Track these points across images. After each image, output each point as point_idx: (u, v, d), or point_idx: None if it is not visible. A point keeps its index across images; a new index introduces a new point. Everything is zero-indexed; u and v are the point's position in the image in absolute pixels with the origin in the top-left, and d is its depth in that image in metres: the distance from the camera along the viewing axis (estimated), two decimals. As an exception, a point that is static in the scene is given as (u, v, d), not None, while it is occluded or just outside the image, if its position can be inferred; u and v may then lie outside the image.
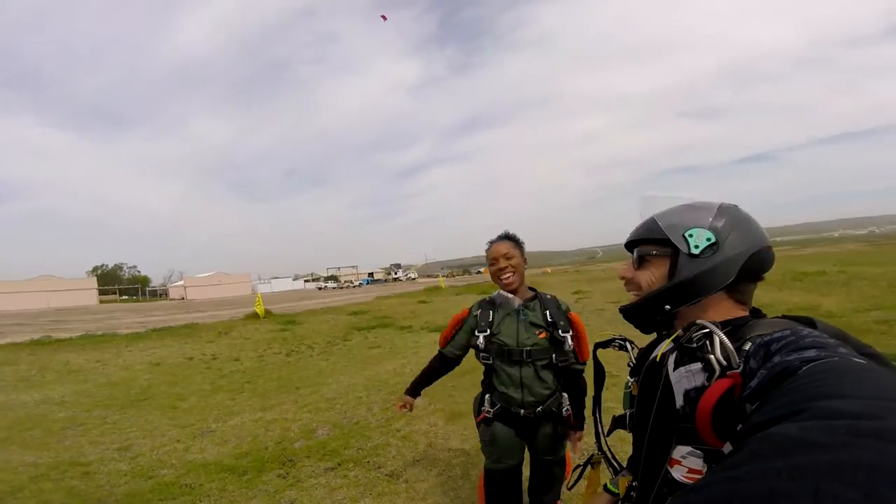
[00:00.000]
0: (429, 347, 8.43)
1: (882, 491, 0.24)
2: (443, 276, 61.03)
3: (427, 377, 2.41)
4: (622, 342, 1.09)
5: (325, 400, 5.48)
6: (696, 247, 0.82)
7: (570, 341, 2.08)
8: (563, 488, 2.36)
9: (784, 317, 0.74)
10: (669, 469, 0.76)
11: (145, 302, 52.51)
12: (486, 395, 2.22)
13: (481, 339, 2.14)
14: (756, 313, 0.84)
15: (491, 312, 2.18)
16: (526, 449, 2.30)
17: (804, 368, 0.50)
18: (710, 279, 0.81)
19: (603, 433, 1.13)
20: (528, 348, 2.09)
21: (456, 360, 2.36)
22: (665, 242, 0.87)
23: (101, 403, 5.88)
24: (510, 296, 2.17)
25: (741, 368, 0.65)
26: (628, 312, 0.93)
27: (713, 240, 0.81)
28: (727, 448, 0.63)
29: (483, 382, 2.28)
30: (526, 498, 2.52)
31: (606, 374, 1.25)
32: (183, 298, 54.50)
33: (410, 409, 2.43)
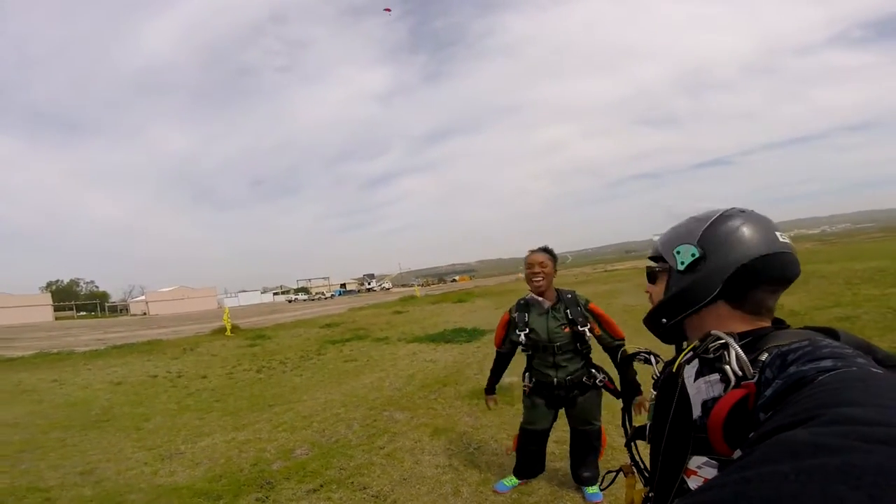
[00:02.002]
0: (407, 359, 8.31)
1: (889, 494, 0.24)
2: (418, 286, 60.77)
3: (497, 373, 3.08)
4: (647, 355, 1.10)
5: (301, 418, 5.28)
6: (682, 263, 0.87)
7: (587, 333, 2.67)
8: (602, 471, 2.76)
9: (807, 328, 0.74)
10: (686, 479, 0.76)
11: (105, 318, 50.17)
12: (527, 373, 2.89)
13: (522, 337, 2.76)
14: (779, 324, 0.83)
15: (526, 314, 2.78)
16: (564, 418, 2.92)
17: (820, 378, 0.50)
18: (695, 292, 0.85)
19: (634, 444, 1.13)
20: (557, 343, 2.70)
21: (511, 354, 2.99)
22: (663, 259, 0.93)
23: (60, 425, 5.49)
24: (540, 298, 2.76)
25: (756, 378, 0.65)
26: (646, 325, 0.98)
27: (696, 255, 0.85)
28: (737, 455, 0.62)
29: (526, 364, 2.90)
30: (563, 466, 3.23)
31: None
32: (145, 314, 52.39)
33: (496, 404, 3.12)
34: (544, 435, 2.94)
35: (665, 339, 0.96)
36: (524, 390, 2.91)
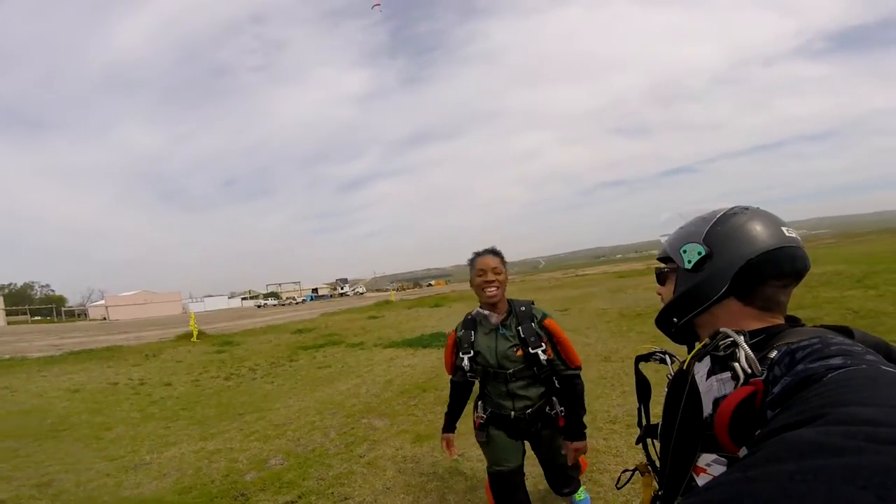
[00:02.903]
0: (384, 365, 8.16)
1: (895, 495, 0.24)
2: (393, 290, 60.40)
3: (456, 407, 2.42)
4: (662, 355, 1.08)
5: (273, 426, 5.09)
6: (689, 261, 0.87)
7: (541, 355, 2.08)
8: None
9: (823, 326, 0.74)
10: (695, 476, 0.76)
11: (61, 323, 47.74)
12: (479, 402, 2.32)
13: (466, 361, 2.21)
14: (793, 322, 0.82)
15: (473, 333, 2.23)
16: (532, 452, 2.36)
17: (829, 376, 0.50)
18: (704, 290, 0.84)
19: (651, 443, 1.10)
20: (509, 369, 2.13)
21: (471, 382, 2.38)
22: (671, 259, 0.93)
23: (11, 434, 5.13)
24: (487, 313, 2.20)
25: (764, 376, 0.64)
26: (657, 325, 0.98)
27: (703, 252, 0.84)
28: (743, 452, 0.62)
29: (480, 389, 2.35)
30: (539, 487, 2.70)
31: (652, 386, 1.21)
32: (104, 319, 50.25)
33: (455, 454, 2.42)
34: (518, 474, 2.28)
35: (677, 339, 0.96)
36: (475, 423, 2.32)
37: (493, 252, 2.22)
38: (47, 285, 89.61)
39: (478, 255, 2.23)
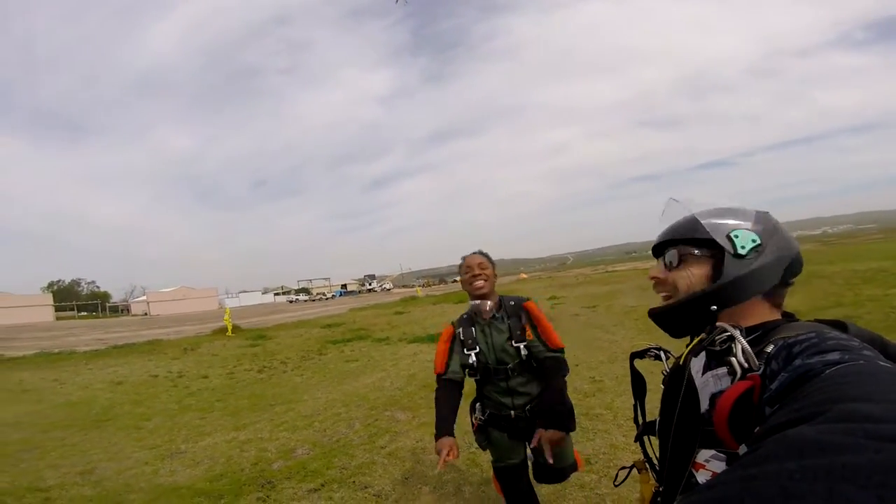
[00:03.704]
0: (408, 359, 8.28)
1: None
2: (419, 286, 60.73)
3: (445, 410, 2.10)
4: (657, 351, 1.08)
5: (302, 417, 5.26)
6: (743, 247, 0.81)
7: (523, 350, 2.08)
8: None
9: (817, 321, 0.74)
10: (694, 473, 0.76)
11: (106, 318, 50.20)
12: (478, 404, 2.28)
13: (473, 358, 2.15)
14: (789, 317, 0.83)
15: (473, 329, 2.20)
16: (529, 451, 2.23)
17: (827, 371, 0.50)
18: (755, 281, 0.80)
19: (648, 440, 1.10)
20: (509, 364, 2.11)
21: (462, 382, 2.21)
22: (708, 243, 0.85)
23: (60, 424, 5.49)
24: (479, 302, 2.17)
25: (761, 370, 0.64)
26: (662, 316, 0.91)
27: (758, 241, 0.81)
28: (742, 450, 0.61)
29: (476, 391, 2.29)
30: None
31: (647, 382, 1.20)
32: (146, 314, 52.41)
33: (456, 455, 1.96)
34: (523, 468, 2.26)
35: (680, 333, 0.91)
36: (472, 424, 2.29)
37: (479, 252, 2.26)
38: (93, 282, 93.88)
39: (463, 257, 2.28)
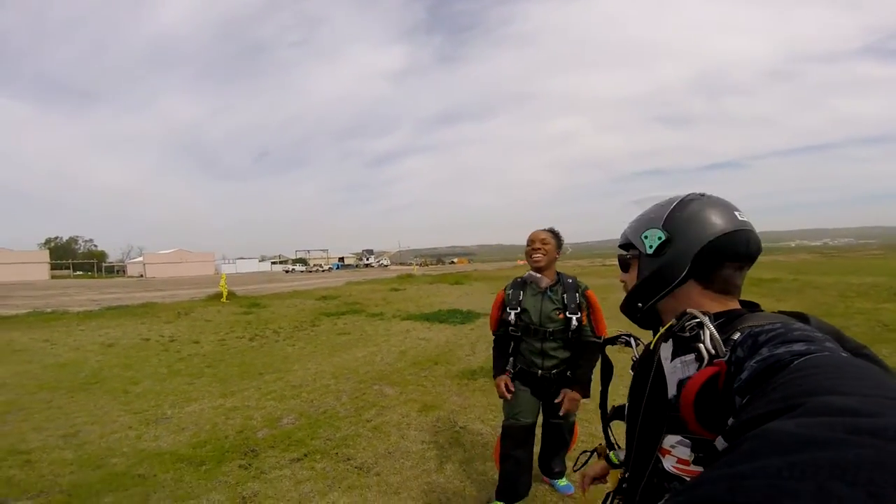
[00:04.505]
0: (401, 335, 8.30)
1: (886, 489, 0.24)
2: (416, 265, 60.82)
3: (502, 358, 2.63)
4: (628, 338, 1.11)
5: (290, 387, 5.27)
6: (651, 246, 0.89)
7: (574, 321, 2.41)
8: (570, 465, 2.63)
9: (781, 312, 0.76)
10: (661, 458, 0.78)
11: (101, 278, 50.26)
12: (511, 359, 2.61)
13: (512, 316, 2.49)
14: (752, 307, 0.85)
15: (521, 292, 2.53)
16: (540, 412, 2.64)
17: (796, 362, 0.50)
18: (666, 273, 0.87)
19: (609, 427, 1.17)
20: (549, 328, 2.44)
21: (510, 337, 2.60)
22: (633, 245, 0.95)
23: (47, 386, 5.46)
24: (538, 276, 2.51)
25: (727, 357, 0.65)
26: (621, 310, 1.00)
27: (663, 237, 0.87)
28: (720, 442, 0.60)
29: (511, 347, 2.62)
30: (536, 465, 2.85)
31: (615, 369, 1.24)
32: (142, 276, 52.49)
33: (511, 385, 2.54)
34: (530, 432, 2.57)
35: (642, 325, 0.98)
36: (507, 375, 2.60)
37: (547, 229, 2.55)
38: (91, 240, 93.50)
39: (533, 231, 2.56)
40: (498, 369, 2.60)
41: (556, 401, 2.44)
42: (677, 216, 0.88)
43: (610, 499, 1.05)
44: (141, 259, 62.30)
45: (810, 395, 0.39)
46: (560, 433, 2.72)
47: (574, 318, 2.41)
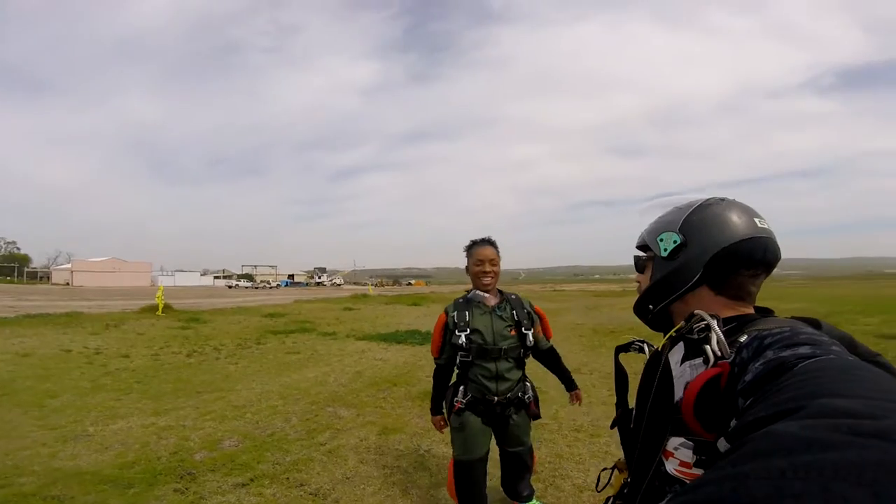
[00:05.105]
0: (355, 356, 7.96)
1: (890, 490, 0.24)
2: (371, 285, 59.79)
3: (442, 389, 2.48)
4: (641, 344, 1.07)
5: (232, 408, 4.84)
6: (665, 249, 0.89)
7: (530, 337, 2.33)
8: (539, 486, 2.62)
9: (793, 318, 0.75)
10: (664, 461, 0.76)
11: (21, 284, 45.92)
12: (461, 387, 2.37)
13: (463, 339, 2.29)
14: (766, 313, 0.84)
15: (468, 313, 2.34)
16: (494, 443, 2.48)
17: (800, 365, 0.50)
18: (678, 277, 0.87)
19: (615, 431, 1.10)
20: (503, 346, 2.30)
21: (453, 366, 2.44)
22: (649, 247, 0.95)
23: (-56, 395, 4.76)
24: (486, 295, 2.38)
25: (732, 359, 0.65)
26: (634, 311, 1.01)
27: (678, 241, 0.87)
28: (721, 444, 0.61)
29: (458, 375, 2.41)
30: (497, 493, 2.75)
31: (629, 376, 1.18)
32: (68, 284, 48.52)
33: (448, 425, 2.46)
34: (482, 465, 2.40)
35: (653, 326, 0.98)
36: (452, 408, 2.37)
37: (491, 243, 2.41)
38: (13, 242, 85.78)
39: (476, 243, 2.41)
40: (436, 405, 2.48)
41: (572, 403, 2.58)
42: (694, 220, 0.87)
43: (611, 503, 1.04)
44: (69, 266, 57.71)
45: (814, 397, 0.39)
46: (521, 460, 2.53)
47: (529, 333, 2.34)
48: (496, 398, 2.30)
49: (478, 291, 2.39)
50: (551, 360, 2.56)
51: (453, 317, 2.35)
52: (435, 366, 2.47)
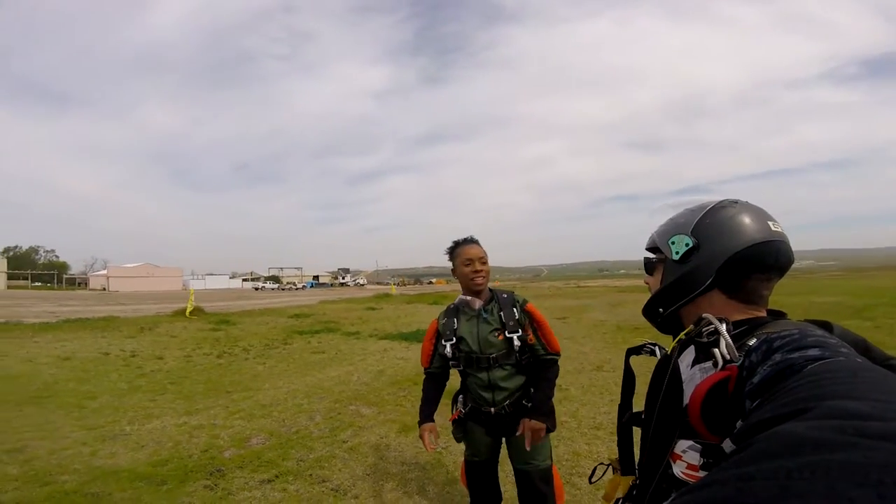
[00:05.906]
0: (378, 355, 8.08)
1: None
2: (394, 284, 60.28)
3: (431, 400, 2.27)
4: (653, 347, 1.08)
5: (260, 406, 5.00)
6: (677, 252, 0.87)
7: (516, 341, 2.06)
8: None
9: (806, 320, 0.75)
10: (672, 463, 0.76)
11: (61, 290, 48.02)
12: (460, 396, 2.27)
13: (448, 349, 2.15)
14: (778, 315, 0.83)
15: (455, 320, 2.19)
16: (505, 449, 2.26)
17: (809, 367, 0.50)
18: (690, 281, 0.85)
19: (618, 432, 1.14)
20: (492, 354, 2.08)
21: (445, 374, 2.32)
22: (659, 250, 0.93)
23: (-7, 399, 5.06)
24: (469, 298, 2.18)
25: (740, 362, 0.65)
26: (643, 314, 0.99)
27: (690, 244, 0.85)
28: (727, 445, 0.61)
29: (461, 382, 2.27)
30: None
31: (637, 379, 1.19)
32: (104, 289, 50.48)
33: (436, 438, 2.17)
34: (491, 466, 2.27)
35: (662, 329, 0.96)
36: (453, 418, 2.26)
37: (476, 241, 2.21)
38: (52, 251, 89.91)
39: (459, 243, 2.21)
40: (423, 414, 2.19)
41: (518, 433, 2.03)
42: (706, 223, 0.85)
43: None
44: (105, 272, 60.00)
45: (821, 399, 0.39)
46: (528, 481, 2.15)
47: (515, 336, 2.06)
48: (492, 409, 2.10)
49: (463, 296, 2.21)
50: (541, 373, 2.12)
51: (442, 324, 2.21)
52: (424, 375, 2.29)
